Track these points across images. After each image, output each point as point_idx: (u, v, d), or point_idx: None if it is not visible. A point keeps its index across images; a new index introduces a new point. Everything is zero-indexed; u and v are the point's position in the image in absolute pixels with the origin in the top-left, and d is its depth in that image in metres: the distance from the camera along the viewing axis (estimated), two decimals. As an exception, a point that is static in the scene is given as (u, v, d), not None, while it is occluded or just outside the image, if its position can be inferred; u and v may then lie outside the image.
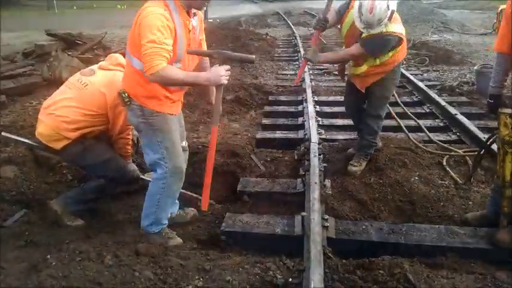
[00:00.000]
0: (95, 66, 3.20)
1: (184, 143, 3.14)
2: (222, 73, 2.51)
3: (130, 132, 3.25)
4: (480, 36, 13.20)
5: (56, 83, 6.64)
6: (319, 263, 2.37)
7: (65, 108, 2.92)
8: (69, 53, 7.80)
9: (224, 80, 2.53)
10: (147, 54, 2.33)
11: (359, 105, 3.98)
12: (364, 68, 3.59)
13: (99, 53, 8.92)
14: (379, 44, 3.39)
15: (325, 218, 2.93)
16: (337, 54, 3.95)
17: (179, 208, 3.29)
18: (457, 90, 6.67)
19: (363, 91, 3.73)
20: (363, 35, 3.39)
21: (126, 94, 2.60)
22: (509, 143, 2.56)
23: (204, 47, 2.89)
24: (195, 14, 2.65)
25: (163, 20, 2.35)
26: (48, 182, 3.76)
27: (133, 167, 3.34)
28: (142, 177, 3.38)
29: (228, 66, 2.56)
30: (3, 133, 3.30)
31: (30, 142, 3.22)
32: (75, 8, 27.15)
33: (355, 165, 3.81)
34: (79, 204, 3.17)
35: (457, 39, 12.46)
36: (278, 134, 4.94)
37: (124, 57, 2.86)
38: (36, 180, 3.73)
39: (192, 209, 3.38)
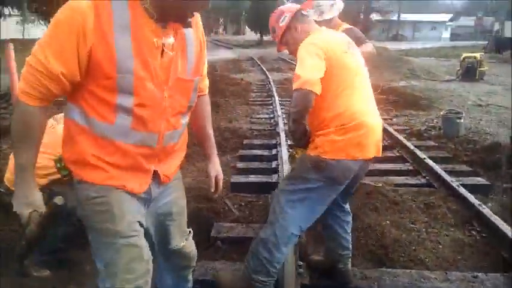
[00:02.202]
0: None
1: (181, 244, 2.05)
2: (26, 201, 1.57)
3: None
4: (445, 82, 13.87)
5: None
6: (294, 311, 2.35)
7: (35, 154, 2.88)
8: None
9: (21, 210, 1.57)
10: (23, 74, 1.45)
11: None
12: None
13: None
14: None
15: (300, 264, 2.93)
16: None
17: None
18: (425, 134, 6.93)
19: None
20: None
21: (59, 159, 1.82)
22: None
23: (204, 85, 1.95)
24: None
25: (68, 14, 1.39)
26: (15, 230, 3.63)
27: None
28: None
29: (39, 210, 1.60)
30: (-30, 180, 3.21)
31: (-2, 189, 3.14)
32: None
33: None
34: (47, 253, 3.07)
35: (424, 85, 13.04)
36: (252, 178, 4.96)
37: None
38: (2, 228, 3.60)
39: None
